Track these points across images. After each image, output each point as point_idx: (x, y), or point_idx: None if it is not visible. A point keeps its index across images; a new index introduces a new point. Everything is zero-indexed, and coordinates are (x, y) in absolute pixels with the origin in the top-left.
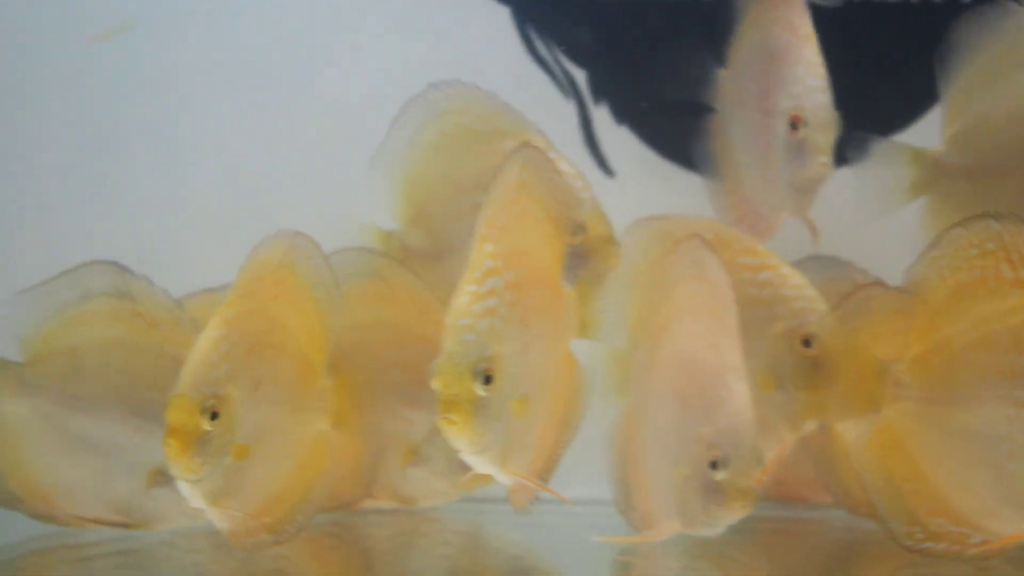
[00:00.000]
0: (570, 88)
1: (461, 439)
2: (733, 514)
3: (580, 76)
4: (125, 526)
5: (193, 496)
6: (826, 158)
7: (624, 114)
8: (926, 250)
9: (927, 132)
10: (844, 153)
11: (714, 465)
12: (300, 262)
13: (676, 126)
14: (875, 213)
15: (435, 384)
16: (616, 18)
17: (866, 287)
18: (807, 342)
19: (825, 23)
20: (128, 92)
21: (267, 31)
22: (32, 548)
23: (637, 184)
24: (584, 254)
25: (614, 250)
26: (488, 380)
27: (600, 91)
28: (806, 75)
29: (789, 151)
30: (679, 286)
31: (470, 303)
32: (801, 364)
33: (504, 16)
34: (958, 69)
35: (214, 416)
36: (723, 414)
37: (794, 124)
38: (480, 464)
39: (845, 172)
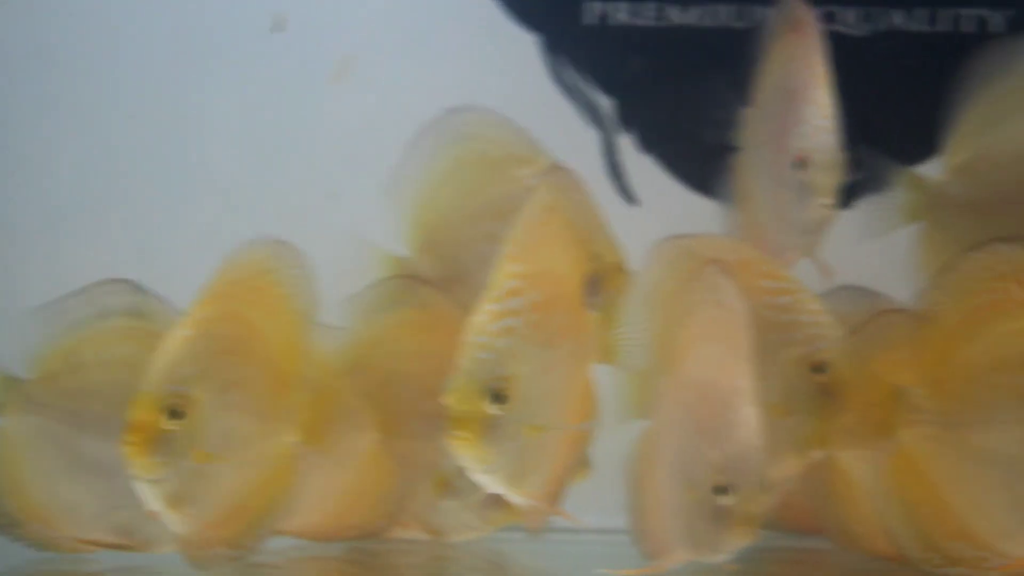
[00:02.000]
0: (595, 116)
1: (469, 457)
2: (738, 540)
3: (605, 104)
4: (126, 548)
5: (150, 497)
6: (828, 199)
7: (650, 143)
8: (939, 274)
9: None
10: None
11: (720, 490)
12: (281, 270)
13: (701, 157)
14: (869, 232)
15: (447, 401)
16: (646, 48)
17: (885, 313)
18: (819, 369)
19: (853, 52)
20: (140, 114)
21: (285, 54)
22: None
23: (661, 212)
24: (596, 280)
25: (625, 278)
26: (502, 399)
27: (627, 120)
28: (815, 116)
29: (795, 191)
30: (696, 312)
31: (488, 321)
32: (812, 391)
33: (532, 44)
34: (970, 100)
35: (178, 415)
36: (731, 439)
37: (799, 164)
38: (490, 484)
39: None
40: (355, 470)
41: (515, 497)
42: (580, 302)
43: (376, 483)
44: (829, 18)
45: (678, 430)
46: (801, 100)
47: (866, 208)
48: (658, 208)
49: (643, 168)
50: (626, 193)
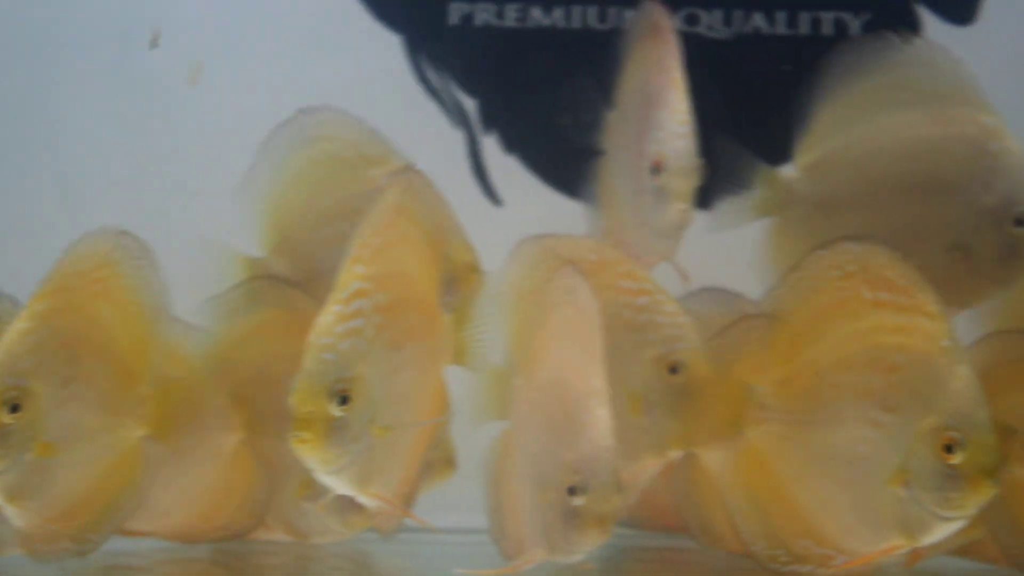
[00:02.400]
0: (459, 117)
1: (312, 458)
2: (590, 540)
3: (470, 105)
4: None
5: None
6: (684, 204)
7: (513, 143)
8: (788, 272)
9: None
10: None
11: (572, 491)
12: (125, 262)
13: (565, 158)
14: (719, 224)
15: (290, 402)
16: (509, 49)
17: (749, 318)
18: (674, 369)
19: (716, 54)
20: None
21: (146, 56)
22: None
23: (525, 213)
24: (449, 281)
25: (478, 278)
26: (345, 400)
27: (490, 120)
28: (670, 120)
29: (652, 196)
30: (553, 312)
31: (333, 323)
32: (668, 391)
33: (396, 44)
34: (822, 100)
35: (15, 409)
36: (584, 440)
37: (655, 169)
38: (336, 485)
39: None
40: (220, 470)
41: (362, 499)
42: (434, 304)
43: (241, 484)
44: (692, 21)
45: (533, 431)
46: (658, 105)
47: (722, 202)
48: (522, 209)
49: (508, 169)
50: (491, 193)
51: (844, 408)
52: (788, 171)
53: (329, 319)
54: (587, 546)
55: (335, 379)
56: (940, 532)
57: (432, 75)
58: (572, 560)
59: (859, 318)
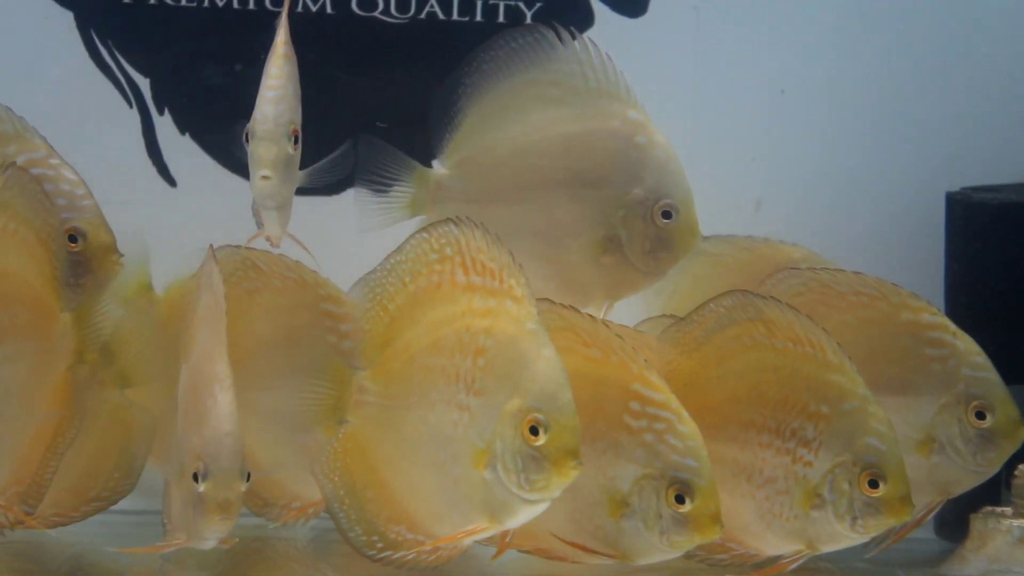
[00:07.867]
0: (133, 96)
1: None
2: (214, 527)
3: (144, 85)
4: None
5: None
6: (267, 171)
7: (187, 124)
8: (389, 256)
9: None
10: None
11: (196, 477)
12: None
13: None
14: (372, 224)
15: None
16: (181, 28)
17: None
18: None
19: (392, 39)
20: None
21: None
22: None
23: (200, 194)
24: (85, 263)
25: (115, 259)
26: None
27: (163, 101)
28: (264, 87)
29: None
30: (198, 298)
31: None
32: None
33: (69, 20)
34: (473, 94)
35: None
36: (207, 426)
37: (246, 137)
38: None
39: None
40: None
41: None
42: (47, 303)
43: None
44: (369, 5)
45: (180, 415)
46: (263, 76)
47: (370, 200)
48: (198, 190)
49: (183, 149)
50: (165, 174)
51: (433, 391)
52: (439, 169)
53: None
54: (214, 532)
55: None
56: (524, 515)
57: (104, 53)
58: (205, 546)
59: (452, 301)
